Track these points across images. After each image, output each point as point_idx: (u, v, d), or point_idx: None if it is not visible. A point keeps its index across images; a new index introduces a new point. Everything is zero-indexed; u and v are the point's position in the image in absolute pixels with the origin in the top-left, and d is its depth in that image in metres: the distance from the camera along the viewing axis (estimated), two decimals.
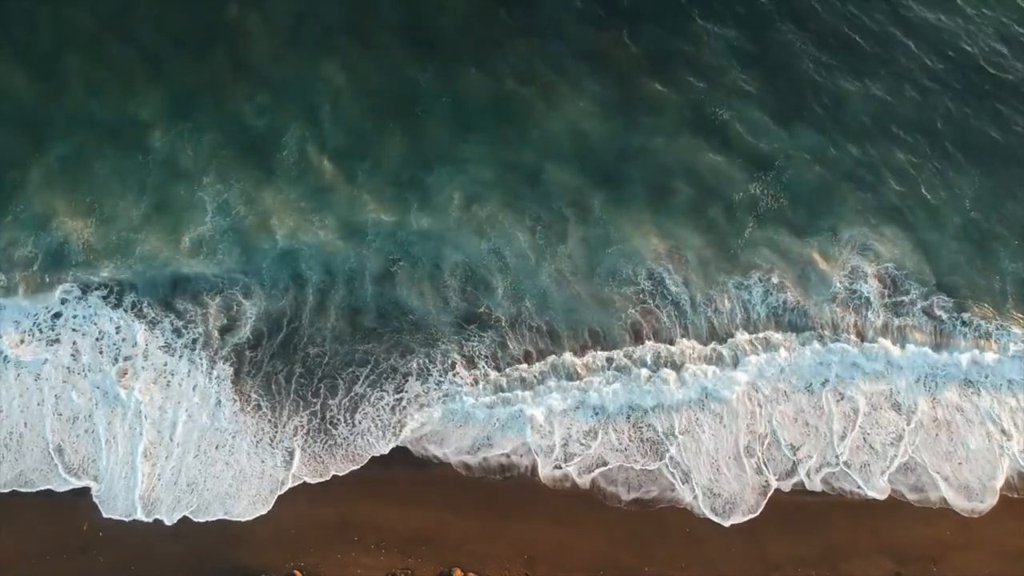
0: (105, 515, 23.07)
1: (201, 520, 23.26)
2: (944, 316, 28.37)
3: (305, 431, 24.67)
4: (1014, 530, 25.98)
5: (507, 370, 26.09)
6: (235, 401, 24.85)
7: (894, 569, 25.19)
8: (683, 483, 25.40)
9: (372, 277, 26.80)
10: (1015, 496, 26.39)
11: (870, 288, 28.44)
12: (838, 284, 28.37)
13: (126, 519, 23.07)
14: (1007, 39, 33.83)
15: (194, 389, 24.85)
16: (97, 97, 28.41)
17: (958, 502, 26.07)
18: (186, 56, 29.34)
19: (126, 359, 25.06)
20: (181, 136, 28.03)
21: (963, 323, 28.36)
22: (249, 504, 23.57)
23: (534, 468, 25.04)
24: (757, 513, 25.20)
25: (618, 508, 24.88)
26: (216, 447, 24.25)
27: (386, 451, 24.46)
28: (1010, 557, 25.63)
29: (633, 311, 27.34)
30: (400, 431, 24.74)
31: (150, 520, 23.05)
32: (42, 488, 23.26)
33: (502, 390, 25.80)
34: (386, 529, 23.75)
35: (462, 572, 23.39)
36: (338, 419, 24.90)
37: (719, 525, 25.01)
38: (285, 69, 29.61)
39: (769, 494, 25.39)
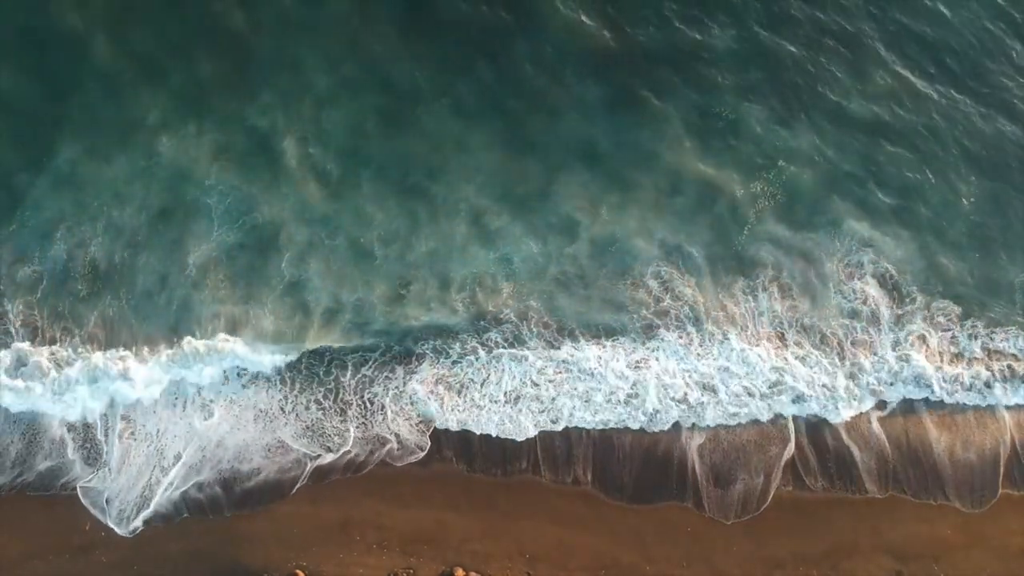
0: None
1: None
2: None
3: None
4: (1015, 528, 25.66)
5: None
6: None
7: (895, 568, 24.82)
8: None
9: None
10: (1016, 494, 26.07)
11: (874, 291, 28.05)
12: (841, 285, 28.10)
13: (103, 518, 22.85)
14: (1017, 36, 33.32)
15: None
16: None
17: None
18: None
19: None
20: (185, 139, 27.42)
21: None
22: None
23: (537, 466, 24.64)
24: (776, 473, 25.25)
25: (620, 507, 24.43)
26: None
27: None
28: (1011, 555, 25.28)
29: (646, 312, 27.02)
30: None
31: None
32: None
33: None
34: (388, 528, 23.31)
35: (464, 572, 22.98)
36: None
37: (721, 523, 24.67)
38: (285, 71, 29.05)
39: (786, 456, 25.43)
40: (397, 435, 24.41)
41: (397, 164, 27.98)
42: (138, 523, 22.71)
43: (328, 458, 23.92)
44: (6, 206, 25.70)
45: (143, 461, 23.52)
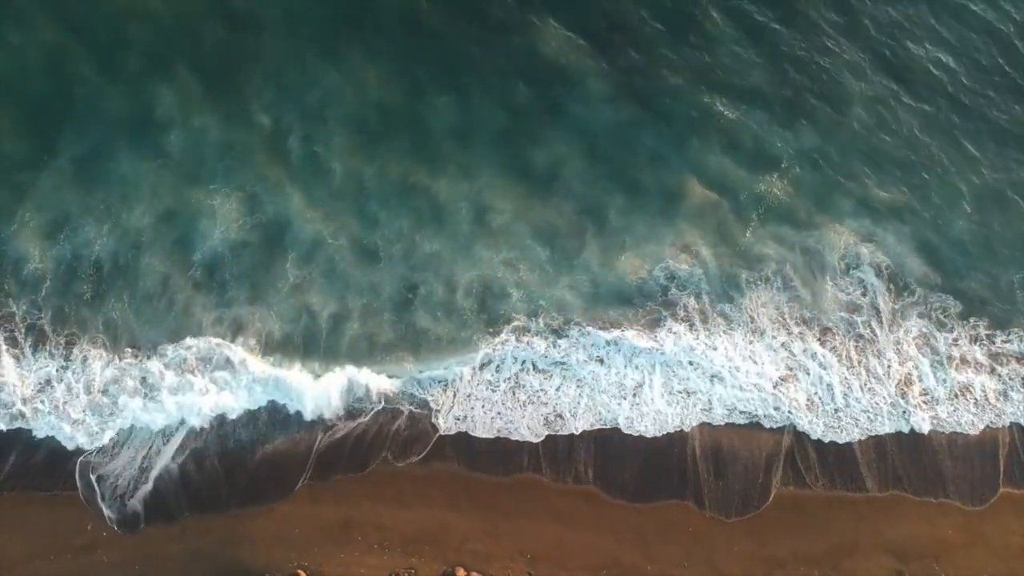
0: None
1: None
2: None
3: None
4: (1015, 528, 25.24)
5: None
6: None
7: (896, 567, 24.42)
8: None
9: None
10: (1016, 492, 25.64)
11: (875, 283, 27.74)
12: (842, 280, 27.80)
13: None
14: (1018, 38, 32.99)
15: None
16: None
17: None
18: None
19: None
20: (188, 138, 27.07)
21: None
22: None
23: (538, 464, 24.23)
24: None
25: (621, 506, 24.05)
26: None
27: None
28: (1011, 555, 24.87)
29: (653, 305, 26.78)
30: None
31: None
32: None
33: None
34: (389, 528, 22.96)
35: (465, 571, 22.64)
36: None
37: (722, 523, 24.26)
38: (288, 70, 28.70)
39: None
40: (410, 411, 24.31)
41: (400, 163, 27.60)
42: (137, 504, 22.52)
43: (341, 429, 23.69)
44: (8, 206, 25.41)
45: (148, 433, 23.44)
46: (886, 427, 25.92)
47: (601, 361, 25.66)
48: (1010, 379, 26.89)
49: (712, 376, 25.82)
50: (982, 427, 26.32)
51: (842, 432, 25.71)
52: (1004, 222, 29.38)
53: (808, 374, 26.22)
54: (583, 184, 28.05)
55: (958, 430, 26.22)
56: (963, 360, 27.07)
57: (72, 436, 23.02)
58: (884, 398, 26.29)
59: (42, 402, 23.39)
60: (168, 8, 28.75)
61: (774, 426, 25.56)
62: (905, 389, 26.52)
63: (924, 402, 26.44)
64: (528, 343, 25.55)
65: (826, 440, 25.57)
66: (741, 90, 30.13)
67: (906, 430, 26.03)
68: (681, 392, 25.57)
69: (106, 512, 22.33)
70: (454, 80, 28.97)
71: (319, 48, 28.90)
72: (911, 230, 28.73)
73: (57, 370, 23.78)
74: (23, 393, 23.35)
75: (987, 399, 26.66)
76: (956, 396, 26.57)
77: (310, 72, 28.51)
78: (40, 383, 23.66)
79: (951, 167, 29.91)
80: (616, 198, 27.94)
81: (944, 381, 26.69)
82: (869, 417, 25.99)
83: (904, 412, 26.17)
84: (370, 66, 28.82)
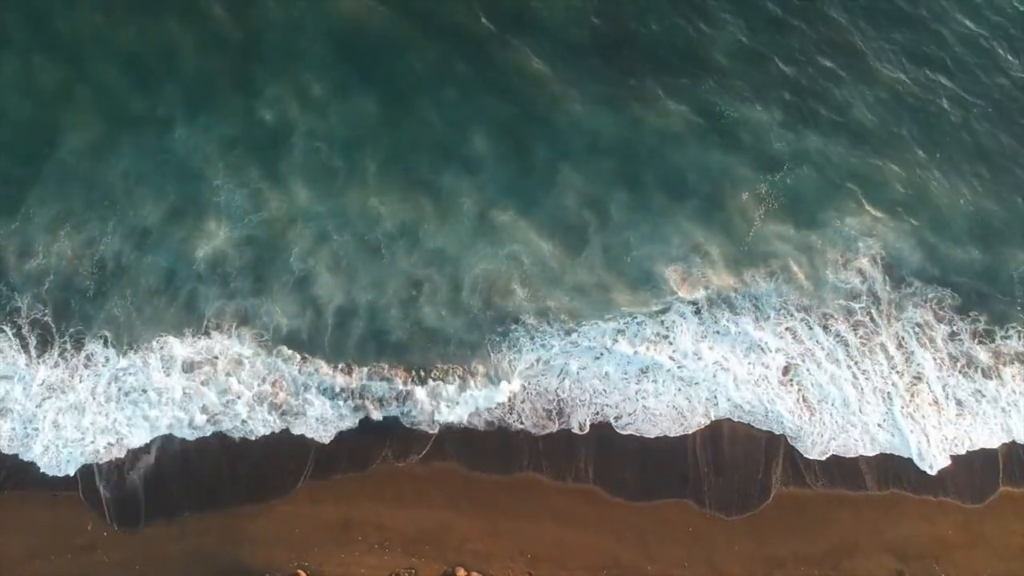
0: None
1: None
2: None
3: None
4: (1016, 528, 24.88)
5: None
6: None
7: (896, 567, 24.08)
8: None
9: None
10: (1016, 491, 25.26)
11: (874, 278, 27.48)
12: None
13: None
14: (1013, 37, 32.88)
15: None
16: None
17: None
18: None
19: None
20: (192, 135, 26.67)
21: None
22: None
23: (538, 463, 23.86)
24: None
25: (621, 505, 23.69)
26: None
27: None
28: (1011, 555, 24.51)
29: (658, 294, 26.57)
30: None
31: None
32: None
33: None
34: (389, 528, 22.62)
35: (465, 571, 22.32)
36: None
37: (722, 522, 23.87)
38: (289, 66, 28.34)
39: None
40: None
41: (401, 158, 27.26)
42: (135, 479, 22.31)
43: (342, 428, 23.44)
44: (9, 204, 25.06)
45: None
46: (898, 448, 25.39)
47: (608, 349, 25.25)
48: (1013, 379, 26.40)
49: (716, 368, 25.29)
50: (997, 445, 25.78)
51: (847, 446, 25.27)
52: (1002, 221, 29.09)
53: (818, 366, 25.78)
54: (586, 183, 27.67)
55: (972, 448, 25.66)
56: (968, 362, 26.60)
57: (73, 459, 22.59)
58: (889, 410, 25.84)
59: (47, 414, 22.91)
60: (170, 8, 28.42)
61: (780, 432, 25.13)
62: (911, 393, 26.06)
63: (933, 411, 25.99)
64: (540, 332, 25.15)
65: (823, 458, 25.08)
66: (743, 91, 29.84)
67: (917, 460, 25.38)
68: (687, 381, 25.07)
69: (103, 492, 22.04)
70: (455, 77, 28.61)
71: (319, 47, 28.50)
72: (910, 228, 28.40)
73: (63, 374, 23.32)
74: (32, 397, 22.99)
75: (995, 407, 26.18)
76: (962, 406, 26.12)
77: (311, 69, 28.09)
78: (45, 391, 23.22)
79: (953, 164, 29.70)
80: (620, 196, 27.55)
81: (950, 388, 26.24)
82: (883, 433, 25.53)
83: (916, 448, 25.62)
84: (371, 63, 28.48)
